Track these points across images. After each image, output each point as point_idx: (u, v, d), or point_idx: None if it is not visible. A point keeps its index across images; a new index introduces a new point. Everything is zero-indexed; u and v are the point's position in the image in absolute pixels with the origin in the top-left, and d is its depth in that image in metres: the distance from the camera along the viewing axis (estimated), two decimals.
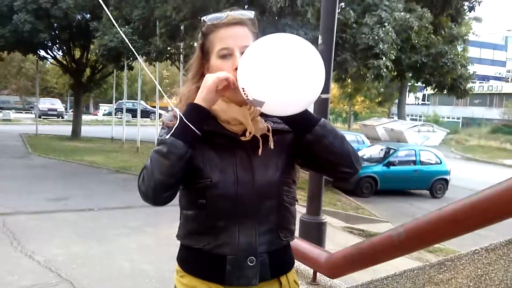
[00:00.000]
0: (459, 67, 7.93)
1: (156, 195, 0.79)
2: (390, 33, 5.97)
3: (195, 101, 0.80)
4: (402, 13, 6.39)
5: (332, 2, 2.58)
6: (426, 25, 6.87)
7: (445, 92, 8.93)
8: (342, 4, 6.43)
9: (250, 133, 0.84)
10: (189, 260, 0.88)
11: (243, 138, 0.84)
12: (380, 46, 5.84)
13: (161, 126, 0.89)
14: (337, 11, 2.63)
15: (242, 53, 0.82)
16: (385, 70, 5.96)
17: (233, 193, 0.78)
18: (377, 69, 5.91)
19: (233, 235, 0.77)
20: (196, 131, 0.78)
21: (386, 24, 5.99)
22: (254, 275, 0.83)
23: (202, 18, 0.87)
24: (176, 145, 0.76)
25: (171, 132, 0.78)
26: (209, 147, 0.84)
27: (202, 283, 0.85)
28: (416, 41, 7.21)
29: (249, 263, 0.81)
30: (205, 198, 0.81)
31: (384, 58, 5.90)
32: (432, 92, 10.68)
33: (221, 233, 0.82)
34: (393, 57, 6.21)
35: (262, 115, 0.88)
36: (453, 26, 8.31)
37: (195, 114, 0.79)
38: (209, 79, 0.79)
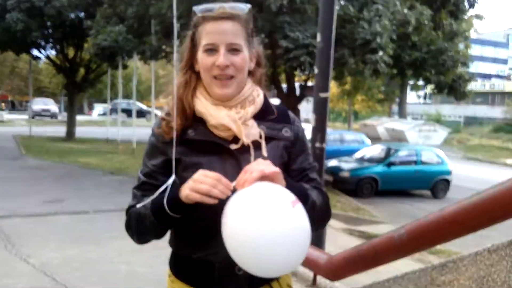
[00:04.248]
0: (459, 65, 7.91)
1: (141, 243, 0.88)
2: (387, 27, 5.96)
3: (181, 193, 0.75)
4: (399, 8, 6.38)
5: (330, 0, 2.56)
6: (426, 22, 6.86)
7: (444, 92, 8.96)
8: (342, 1, 6.40)
9: (239, 139, 0.80)
10: (179, 267, 0.88)
11: (232, 147, 0.81)
12: (378, 40, 5.82)
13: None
14: (335, 8, 2.61)
15: (228, 50, 0.79)
16: (382, 65, 5.93)
17: (221, 203, 0.73)
18: (374, 64, 5.89)
19: (221, 244, 0.74)
20: (175, 215, 0.77)
21: (383, 17, 5.97)
22: (243, 283, 0.81)
23: (193, 8, 0.83)
24: (153, 221, 0.79)
25: (152, 201, 0.79)
26: (199, 155, 0.82)
27: None
28: (417, 38, 7.21)
29: (237, 271, 0.80)
30: (192, 209, 0.78)
31: (381, 53, 5.88)
32: (432, 91, 10.75)
33: (209, 242, 0.81)
34: (391, 52, 6.20)
35: (255, 119, 0.84)
36: (452, 22, 8.27)
37: (175, 206, 0.77)
38: (192, 195, 0.72)
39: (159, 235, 0.83)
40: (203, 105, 0.83)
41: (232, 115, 0.81)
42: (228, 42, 0.79)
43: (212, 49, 0.80)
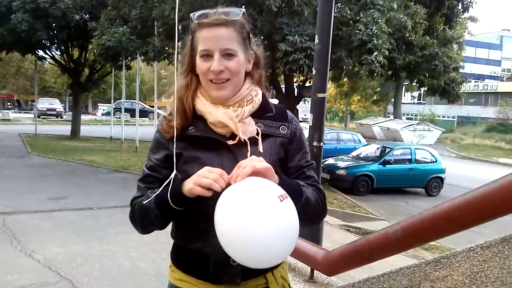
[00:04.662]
0: (451, 70, 7.98)
1: (144, 233, 0.92)
2: (383, 29, 6.01)
3: (184, 187, 0.79)
4: (395, 14, 6.42)
5: (328, 1, 2.58)
6: (420, 21, 6.90)
7: (437, 95, 9.00)
8: (339, 4, 6.46)
9: (237, 136, 0.83)
10: (179, 257, 0.92)
11: (229, 142, 0.84)
12: (374, 41, 5.87)
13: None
14: (333, 10, 2.63)
15: (222, 55, 0.83)
16: (377, 65, 5.98)
17: (216, 196, 0.76)
18: (370, 64, 5.95)
19: (215, 236, 0.76)
20: (178, 208, 0.81)
21: (380, 21, 6.02)
22: (237, 274, 0.84)
23: (190, 15, 0.86)
24: (158, 213, 0.83)
25: (158, 193, 0.82)
26: (198, 150, 0.85)
27: (190, 278, 0.89)
28: (413, 37, 7.25)
29: (231, 262, 0.82)
30: (193, 202, 0.81)
31: (376, 53, 5.92)
32: (426, 92, 10.80)
33: (205, 234, 0.84)
34: (387, 53, 6.24)
35: (253, 117, 0.88)
36: (446, 29, 8.34)
37: (178, 199, 0.80)
38: (195, 189, 0.76)
39: (162, 226, 0.87)
40: (203, 105, 0.87)
41: (229, 113, 0.84)
42: (222, 48, 0.82)
43: (207, 55, 0.83)
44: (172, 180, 0.82)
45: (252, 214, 0.69)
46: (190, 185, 0.77)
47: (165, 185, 0.82)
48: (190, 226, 0.87)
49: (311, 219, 0.89)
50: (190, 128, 0.87)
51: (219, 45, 0.82)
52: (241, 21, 0.85)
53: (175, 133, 0.84)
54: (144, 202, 0.84)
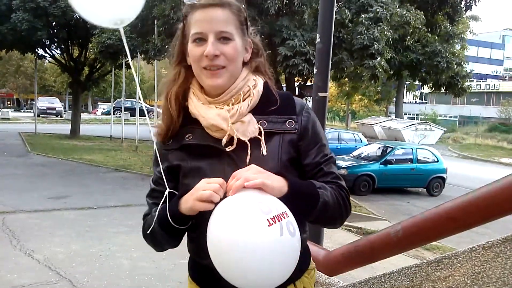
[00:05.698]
0: (454, 66, 7.99)
1: (160, 251, 0.86)
2: (385, 32, 6.04)
3: (182, 206, 0.72)
4: (398, 10, 6.46)
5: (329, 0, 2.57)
6: (420, 26, 6.95)
7: (442, 90, 9.01)
8: (340, 3, 6.46)
9: (233, 138, 0.74)
10: (193, 270, 0.88)
11: (227, 149, 0.75)
12: (376, 46, 5.90)
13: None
14: (334, 9, 2.62)
15: (218, 38, 0.74)
16: (380, 70, 6.03)
17: None
18: (372, 69, 5.99)
19: None
20: (181, 227, 0.75)
21: (381, 23, 6.05)
22: None
23: None
24: (164, 234, 0.77)
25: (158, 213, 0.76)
26: (198, 159, 0.77)
27: None
28: (411, 42, 7.30)
29: None
30: (194, 217, 0.74)
31: (379, 58, 5.96)
32: (429, 90, 10.79)
33: None
34: (389, 57, 6.28)
35: (254, 113, 0.77)
36: (448, 25, 8.34)
37: (179, 219, 0.74)
38: (197, 206, 0.69)
39: (173, 246, 0.82)
40: (194, 106, 0.78)
41: (223, 114, 0.75)
42: (217, 31, 0.73)
43: (200, 38, 0.74)
44: (167, 199, 0.75)
45: (234, 240, 0.64)
46: (191, 203, 0.70)
47: (163, 205, 0.75)
48: (199, 241, 0.79)
49: (331, 222, 0.81)
50: (187, 135, 0.78)
51: (214, 27, 0.73)
52: (237, 4, 0.77)
53: (154, 141, 0.77)
54: (149, 224, 0.78)
